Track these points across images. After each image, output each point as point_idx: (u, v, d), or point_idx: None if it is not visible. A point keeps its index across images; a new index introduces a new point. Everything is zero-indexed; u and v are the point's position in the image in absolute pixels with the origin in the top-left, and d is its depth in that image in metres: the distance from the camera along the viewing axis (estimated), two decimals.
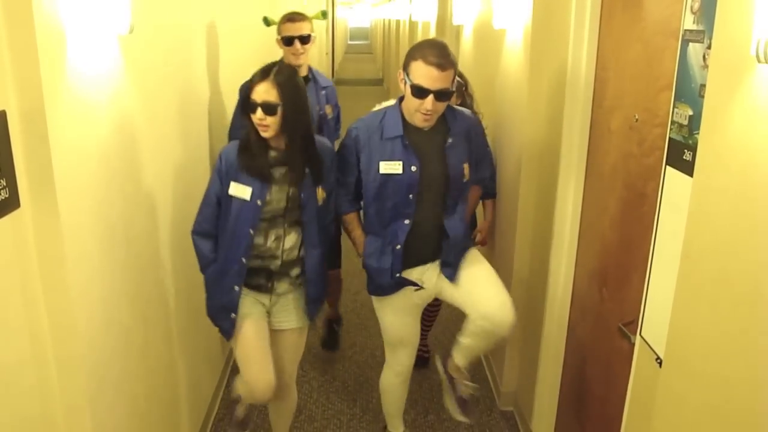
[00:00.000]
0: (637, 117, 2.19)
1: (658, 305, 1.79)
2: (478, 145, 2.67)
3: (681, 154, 1.67)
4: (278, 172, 2.37)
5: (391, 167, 2.49)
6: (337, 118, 3.69)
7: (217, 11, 3.55)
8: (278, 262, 2.44)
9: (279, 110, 2.27)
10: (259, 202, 2.34)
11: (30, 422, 1.64)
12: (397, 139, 2.48)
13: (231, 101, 3.69)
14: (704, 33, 1.57)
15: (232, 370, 3.64)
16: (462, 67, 5.22)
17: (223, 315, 2.45)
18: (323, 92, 3.53)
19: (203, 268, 2.47)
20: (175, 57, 2.69)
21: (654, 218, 1.85)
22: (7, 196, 1.47)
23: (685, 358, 1.55)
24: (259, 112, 2.27)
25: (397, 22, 14.06)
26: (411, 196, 2.50)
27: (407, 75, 2.39)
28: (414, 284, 2.64)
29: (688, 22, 1.65)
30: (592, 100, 2.59)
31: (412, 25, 9.86)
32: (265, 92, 2.27)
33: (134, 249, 2.20)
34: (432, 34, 7.03)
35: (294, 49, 3.31)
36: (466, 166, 2.54)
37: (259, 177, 2.33)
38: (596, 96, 2.57)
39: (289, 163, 2.36)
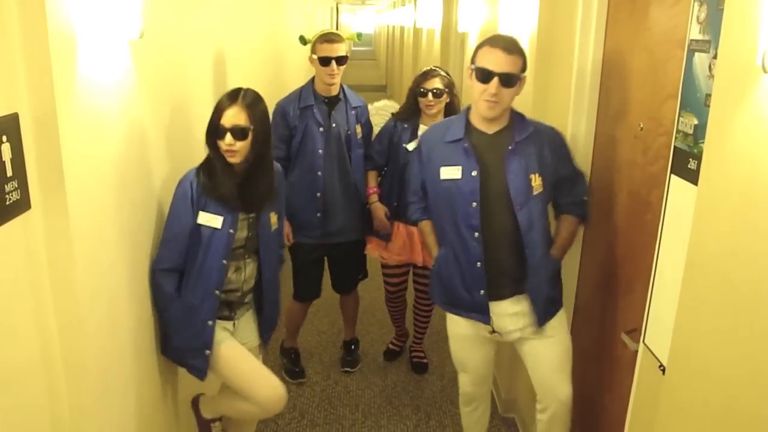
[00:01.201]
0: (641, 126, 2.20)
1: (661, 313, 1.80)
2: (560, 160, 2.44)
3: (686, 163, 1.69)
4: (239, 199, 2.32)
5: (450, 172, 2.38)
6: (368, 136, 3.60)
7: (225, 21, 3.58)
8: (239, 294, 2.42)
9: (249, 134, 2.26)
10: (231, 231, 2.28)
11: (38, 423, 1.65)
12: (458, 143, 2.38)
13: None
14: (710, 43, 1.58)
15: None
16: (467, 71, 5.25)
17: (194, 353, 2.32)
18: (353, 112, 3.51)
19: (165, 308, 2.30)
20: (182, 63, 2.70)
21: (658, 226, 1.86)
22: (18, 197, 1.48)
23: (688, 366, 1.55)
24: (228, 137, 2.23)
25: (401, 29, 14.10)
26: (474, 204, 2.35)
27: (473, 63, 2.31)
28: (485, 322, 2.46)
29: (694, 32, 1.66)
30: (596, 109, 2.60)
31: (417, 32, 9.88)
32: (234, 116, 2.24)
33: (141, 253, 2.21)
34: (437, 42, 7.06)
35: (330, 70, 3.32)
36: (534, 177, 2.34)
37: (228, 204, 2.29)
38: (601, 104, 2.58)
39: (252, 189, 2.34)
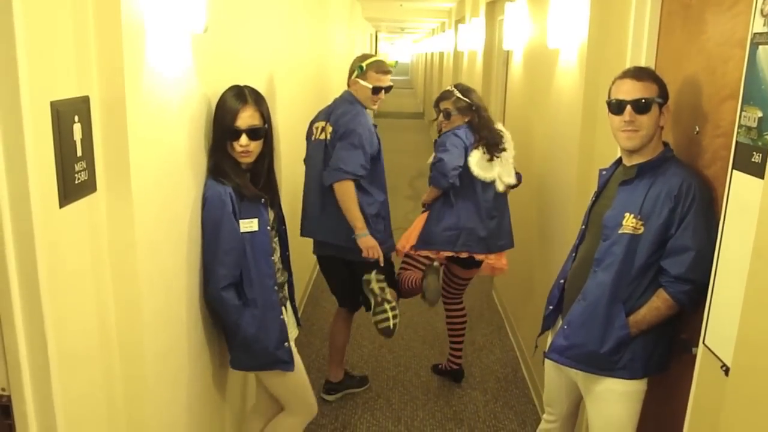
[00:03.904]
0: (697, 129, 2.17)
1: (723, 311, 1.76)
2: (674, 220, 2.09)
3: (749, 157, 1.66)
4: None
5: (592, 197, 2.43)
6: None
7: (280, 32, 3.65)
8: (278, 270, 2.47)
9: (263, 134, 2.29)
10: (268, 228, 2.34)
11: (95, 407, 1.66)
12: (601, 171, 2.42)
13: (282, 114, 3.78)
14: None
15: None
16: (510, 88, 5.27)
17: (280, 350, 2.37)
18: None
19: (238, 319, 2.29)
20: (239, 62, 2.77)
21: (718, 226, 1.82)
22: (86, 178, 1.52)
23: (756, 363, 1.51)
24: (244, 138, 2.23)
25: (441, 54, 14.20)
26: (582, 227, 2.40)
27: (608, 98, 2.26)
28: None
29: (758, 26, 1.64)
30: None
31: (457, 55, 9.95)
32: (249, 117, 2.25)
33: (197, 247, 2.24)
34: (479, 63, 7.09)
35: (379, 98, 3.44)
36: (628, 217, 2.14)
37: (255, 201, 2.30)
38: None
39: (261, 178, 2.39)
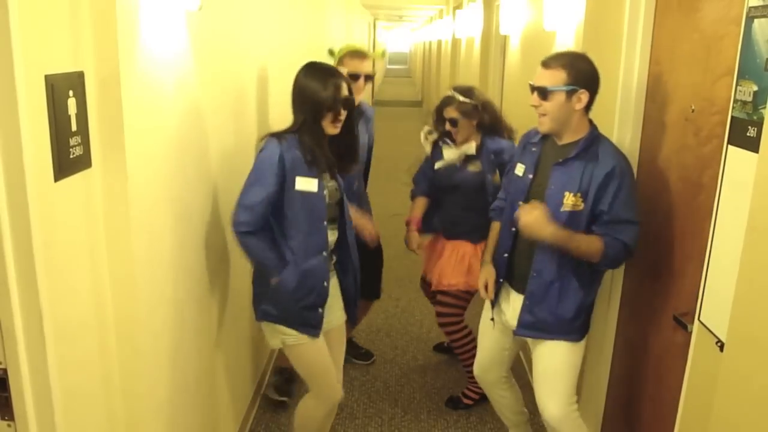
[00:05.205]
0: (693, 107, 2.17)
1: (719, 286, 1.77)
2: (604, 193, 2.28)
3: (744, 131, 1.66)
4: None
5: (519, 169, 2.51)
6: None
7: (275, 15, 3.64)
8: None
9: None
10: (325, 193, 2.39)
11: (90, 380, 1.67)
12: (530, 145, 2.50)
13: (275, 96, 3.76)
14: None
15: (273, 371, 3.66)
16: (508, 73, 5.26)
17: (309, 313, 2.41)
18: (370, 124, 3.50)
19: (263, 259, 2.36)
20: (234, 41, 2.77)
21: (712, 206, 1.83)
22: (81, 153, 1.52)
23: (750, 336, 1.52)
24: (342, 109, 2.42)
25: (438, 42, 14.17)
26: (520, 203, 2.43)
27: None
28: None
29: None
30: (645, 96, 2.58)
31: (455, 43, 9.93)
32: (346, 90, 2.44)
33: (192, 227, 2.24)
34: (476, 49, 7.07)
35: (358, 86, 3.15)
36: (568, 195, 2.31)
37: (322, 169, 2.39)
38: (649, 91, 2.56)
39: (336, 153, 2.47)
